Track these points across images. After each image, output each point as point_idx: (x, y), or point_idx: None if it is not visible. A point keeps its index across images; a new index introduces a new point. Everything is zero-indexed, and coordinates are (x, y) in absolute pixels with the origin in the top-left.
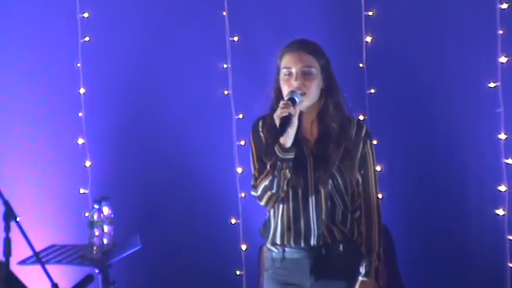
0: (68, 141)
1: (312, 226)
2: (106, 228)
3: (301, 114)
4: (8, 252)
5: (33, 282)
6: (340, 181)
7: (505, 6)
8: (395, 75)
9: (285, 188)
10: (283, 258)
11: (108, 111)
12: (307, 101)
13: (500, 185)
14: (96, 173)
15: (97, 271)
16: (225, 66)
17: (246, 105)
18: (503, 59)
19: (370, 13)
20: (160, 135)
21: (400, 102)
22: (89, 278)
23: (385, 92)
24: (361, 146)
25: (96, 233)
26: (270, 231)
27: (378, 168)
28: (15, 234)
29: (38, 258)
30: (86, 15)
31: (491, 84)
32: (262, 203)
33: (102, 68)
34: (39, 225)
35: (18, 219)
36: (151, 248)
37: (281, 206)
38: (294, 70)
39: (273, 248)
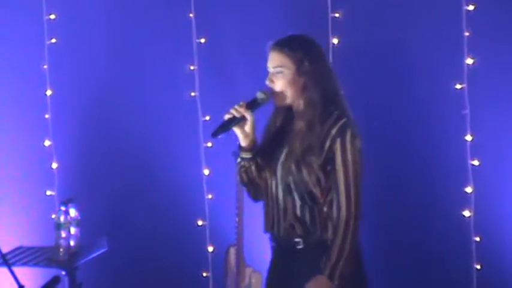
0: (34, 143)
1: (280, 218)
2: (73, 230)
3: (291, 107)
4: None
5: None
6: (297, 177)
7: (470, 7)
8: (362, 77)
9: (256, 182)
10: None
11: (74, 113)
12: (281, 98)
13: (466, 186)
14: (63, 174)
15: (64, 273)
16: (191, 68)
17: (212, 107)
18: (469, 61)
19: (337, 15)
20: (127, 137)
21: (366, 104)
22: (55, 280)
23: (352, 94)
24: (328, 143)
25: (63, 235)
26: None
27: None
28: None
29: (4, 260)
30: (52, 17)
31: (458, 86)
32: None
33: (69, 69)
34: (6, 227)
35: None
36: (118, 250)
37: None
38: (269, 70)
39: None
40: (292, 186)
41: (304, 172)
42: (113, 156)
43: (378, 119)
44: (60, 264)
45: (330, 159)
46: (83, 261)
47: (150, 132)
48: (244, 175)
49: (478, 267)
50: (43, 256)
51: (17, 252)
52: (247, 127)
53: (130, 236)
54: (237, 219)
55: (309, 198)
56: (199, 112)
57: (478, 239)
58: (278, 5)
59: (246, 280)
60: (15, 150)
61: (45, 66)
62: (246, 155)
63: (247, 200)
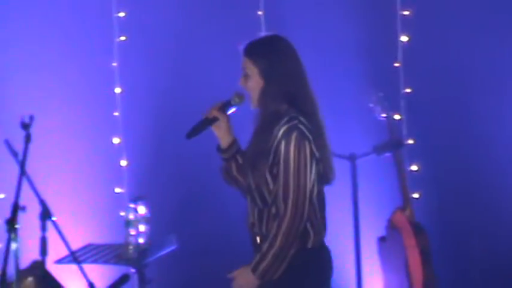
0: (104, 141)
1: (249, 216)
2: (142, 228)
3: None
4: (44, 251)
5: (69, 281)
6: (251, 179)
7: None
8: (432, 75)
9: (240, 181)
10: None
11: (143, 110)
12: (252, 100)
13: None
14: (132, 172)
15: (133, 270)
16: None
17: None
18: None
19: (406, 12)
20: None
21: (437, 102)
22: (125, 278)
23: (422, 92)
24: (274, 145)
25: (132, 232)
26: None
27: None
28: (51, 233)
29: (74, 257)
30: (121, 14)
31: None
32: None
33: (138, 67)
34: (76, 225)
35: (54, 218)
36: (187, 248)
37: None
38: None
39: None
40: (251, 188)
41: (256, 174)
42: (182, 153)
43: (447, 116)
44: (129, 262)
45: (274, 162)
46: (152, 258)
47: None
48: (226, 174)
49: None
50: (112, 253)
51: (86, 249)
52: (221, 128)
53: (200, 233)
54: None
55: (259, 199)
56: None
57: None
58: (347, 3)
59: None
60: (85, 148)
61: (114, 64)
62: (224, 155)
63: None
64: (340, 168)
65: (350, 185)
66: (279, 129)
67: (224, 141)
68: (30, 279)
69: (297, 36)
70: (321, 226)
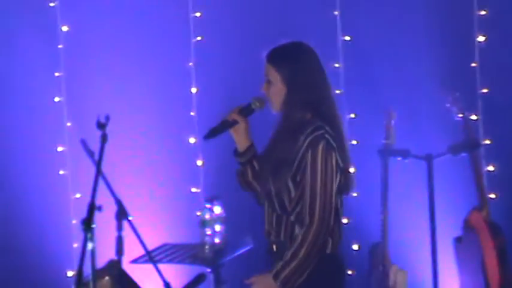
0: (180, 140)
1: (265, 223)
2: (218, 228)
3: None
4: (120, 250)
5: (145, 281)
6: (271, 186)
7: None
8: (509, 75)
9: (253, 186)
10: None
11: (219, 110)
12: (272, 106)
13: None
14: (208, 172)
15: (209, 270)
16: (336, 65)
17: (357, 103)
18: None
19: (483, 12)
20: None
21: None
22: (201, 277)
23: (498, 92)
24: (299, 154)
25: (208, 232)
26: None
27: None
28: (128, 233)
29: (150, 257)
30: (197, 14)
31: None
32: None
33: (214, 67)
34: (151, 224)
35: (130, 218)
36: (262, 248)
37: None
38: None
39: None
40: (269, 195)
41: (277, 181)
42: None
43: None
44: (205, 262)
45: (301, 170)
46: (228, 258)
47: None
48: (241, 179)
49: None
50: (188, 253)
51: (162, 249)
52: (240, 132)
53: None
54: (382, 217)
55: (279, 206)
56: (344, 109)
57: None
58: (422, 3)
59: (391, 278)
60: (161, 148)
61: (190, 64)
62: (240, 159)
63: (392, 198)
64: (416, 169)
65: (426, 185)
66: (305, 139)
67: (241, 145)
68: (106, 278)
69: (373, 36)
70: (337, 232)
